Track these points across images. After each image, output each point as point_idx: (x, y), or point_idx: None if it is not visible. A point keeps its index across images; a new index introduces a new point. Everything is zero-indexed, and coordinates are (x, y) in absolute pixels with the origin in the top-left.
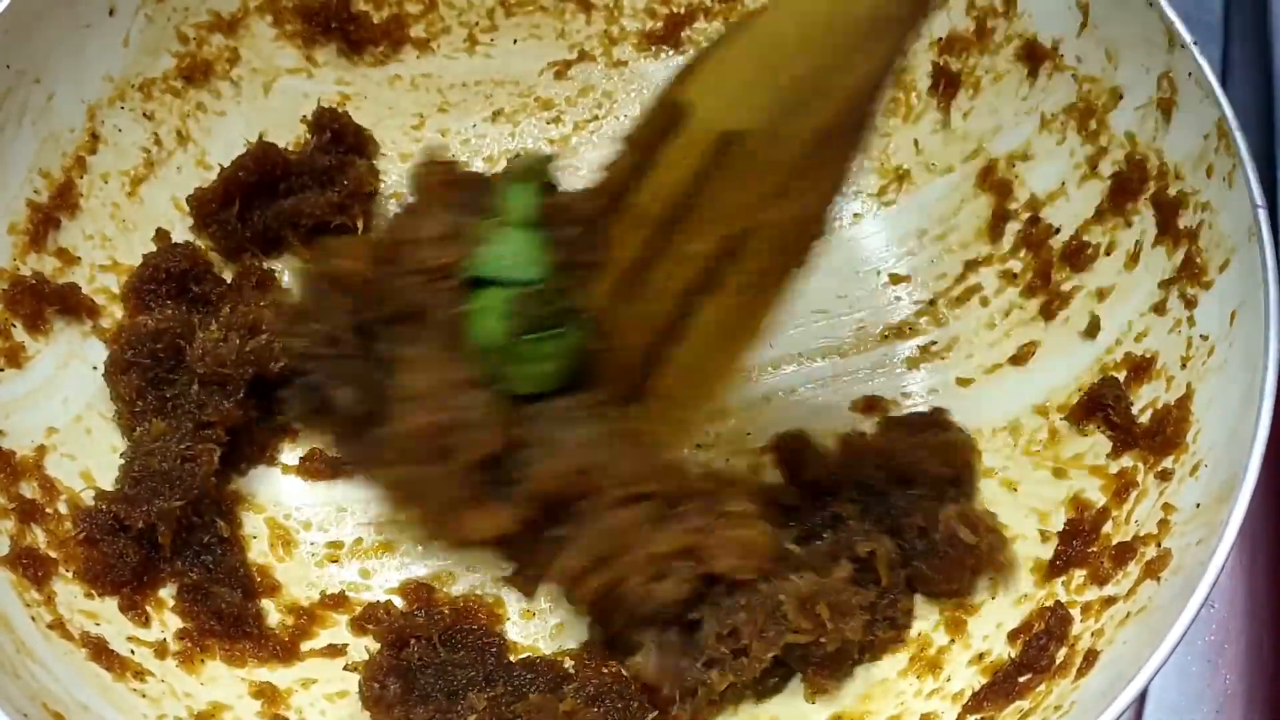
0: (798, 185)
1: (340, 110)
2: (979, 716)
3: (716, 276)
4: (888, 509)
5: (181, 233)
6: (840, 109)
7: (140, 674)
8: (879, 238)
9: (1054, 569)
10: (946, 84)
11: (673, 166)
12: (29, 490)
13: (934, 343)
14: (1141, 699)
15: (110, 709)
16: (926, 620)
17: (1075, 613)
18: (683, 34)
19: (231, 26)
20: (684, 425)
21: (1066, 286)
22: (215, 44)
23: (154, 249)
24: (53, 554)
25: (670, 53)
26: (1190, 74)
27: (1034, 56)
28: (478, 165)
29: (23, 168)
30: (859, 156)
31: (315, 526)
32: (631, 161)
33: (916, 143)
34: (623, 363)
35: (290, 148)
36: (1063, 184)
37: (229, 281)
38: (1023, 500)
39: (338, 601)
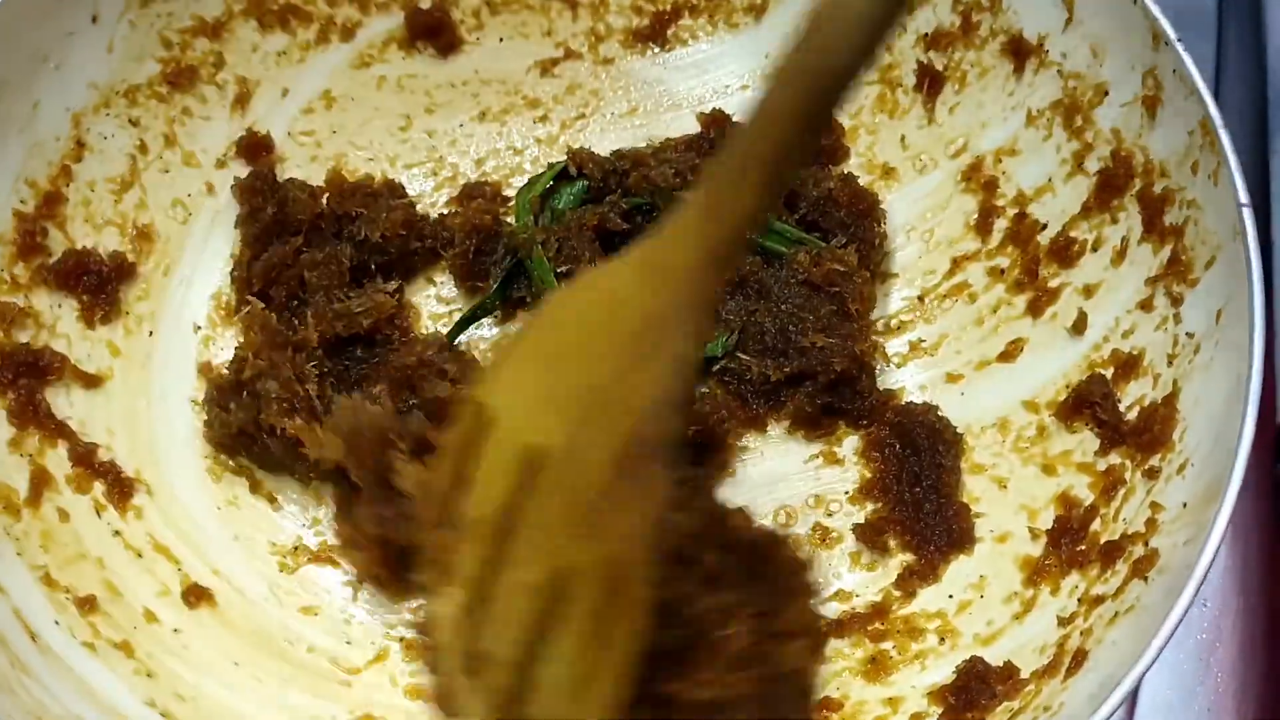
0: (604, 518)
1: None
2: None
3: (557, 614)
4: None
5: None
6: (633, 431)
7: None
8: None
9: (1043, 567)
10: (932, 80)
11: (489, 479)
12: None
13: (922, 340)
14: (1134, 698)
15: None
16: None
17: (1062, 612)
18: (669, 31)
19: (215, 31)
20: None
21: (1054, 283)
22: (199, 49)
23: None
24: None
25: (657, 50)
26: (1175, 71)
27: (1020, 52)
28: (466, 166)
29: (9, 178)
30: (668, 495)
31: None
32: (449, 469)
33: (903, 139)
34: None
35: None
36: (1049, 180)
37: None
38: (1012, 498)
39: None
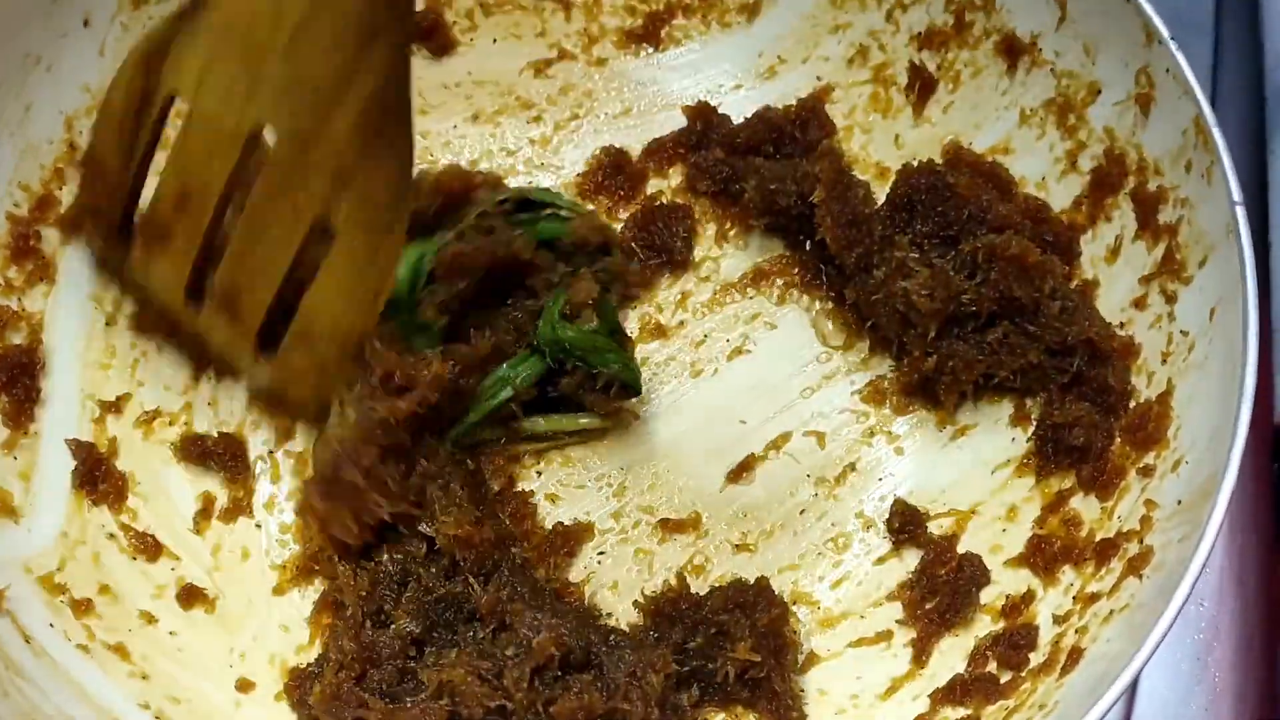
0: (359, 172)
1: None
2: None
3: (319, 246)
4: None
5: None
6: (367, 110)
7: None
8: None
9: (1034, 564)
10: (925, 80)
11: (197, 160)
12: None
13: None
14: (1131, 696)
15: None
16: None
17: (1057, 610)
18: (662, 31)
19: None
20: (333, 366)
21: None
22: None
23: None
24: None
25: (650, 50)
26: (1168, 70)
27: (1013, 51)
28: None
29: (2, 181)
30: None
31: None
32: (115, 143)
33: (897, 138)
34: (238, 322)
35: None
36: (1043, 178)
37: None
38: (1008, 495)
39: None
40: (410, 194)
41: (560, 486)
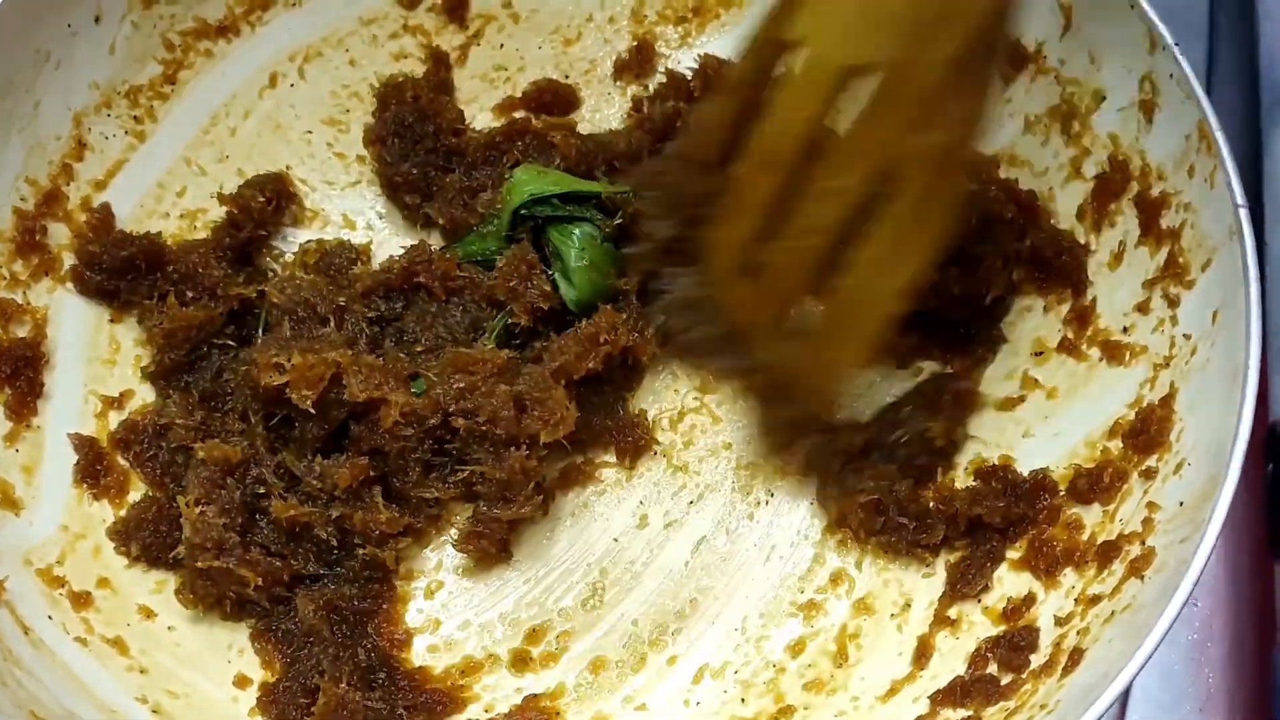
0: (939, 113)
1: None
2: (964, 713)
3: (872, 208)
4: None
5: None
6: (972, 35)
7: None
8: None
9: (1035, 568)
10: None
11: (793, 106)
12: None
13: None
14: (1125, 697)
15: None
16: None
17: (1059, 612)
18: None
19: (220, 34)
20: (856, 354)
21: None
22: (203, 51)
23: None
24: None
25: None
26: (1172, 75)
27: (1017, 59)
28: None
29: (9, 176)
30: (995, 79)
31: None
32: (734, 106)
33: None
34: (767, 300)
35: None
36: (1049, 187)
37: None
38: None
39: None
40: (979, 140)
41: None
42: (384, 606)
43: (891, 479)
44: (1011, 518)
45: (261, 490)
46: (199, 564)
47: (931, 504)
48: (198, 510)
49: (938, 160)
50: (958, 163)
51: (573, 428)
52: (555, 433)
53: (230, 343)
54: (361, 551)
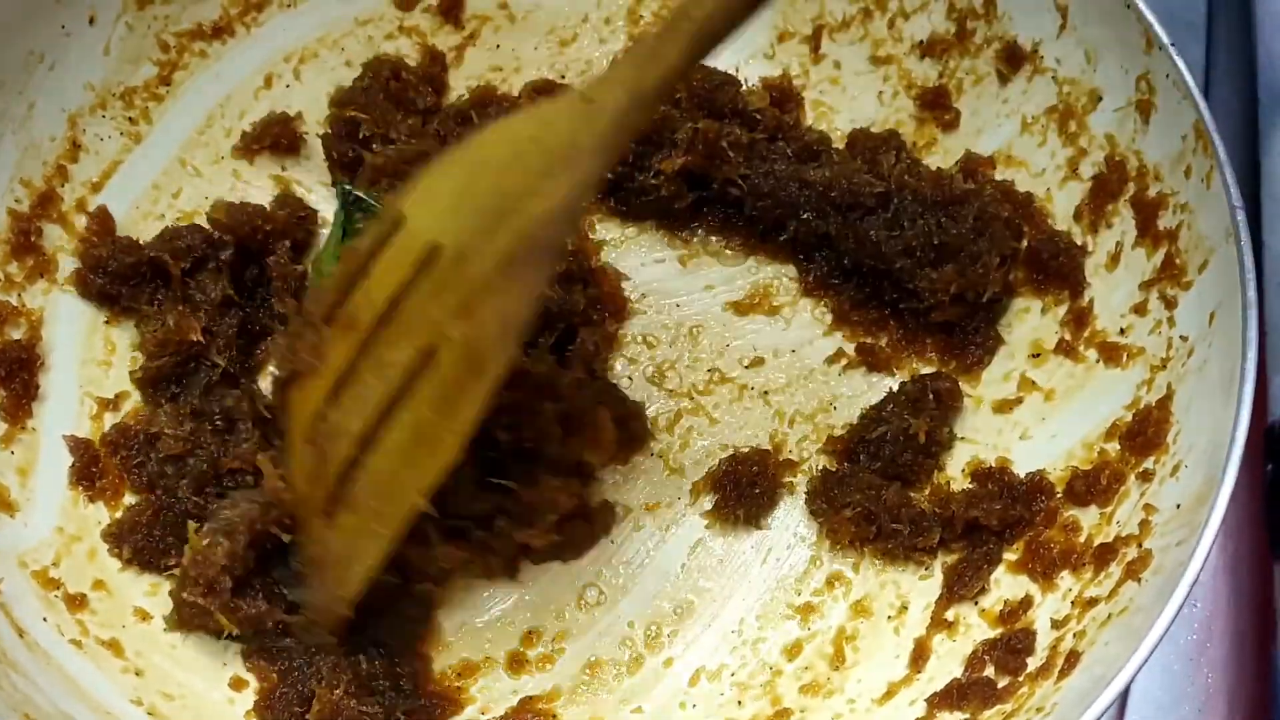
0: (482, 304)
1: None
2: (960, 716)
3: (412, 387)
4: None
5: None
6: (526, 232)
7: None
8: None
9: (1032, 571)
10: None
11: (384, 274)
12: None
13: None
14: (1124, 697)
15: None
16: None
17: (1056, 615)
18: None
19: (215, 35)
20: (377, 537)
21: None
22: (197, 52)
23: None
24: None
25: None
26: (1168, 76)
27: (1014, 59)
28: None
29: (4, 178)
30: (541, 292)
31: None
32: (349, 270)
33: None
34: (321, 473)
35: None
36: (1046, 188)
37: None
38: None
39: None
40: (519, 340)
41: None
42: (420, 631)
43: (876, 487)
44: (1009, 520)
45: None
46: (184, 595)
47: (927, 507)
48: (204, 543)
49: (468, 354)
50: (486, 362)
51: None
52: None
53: (218, 361)
54: (418, 587)
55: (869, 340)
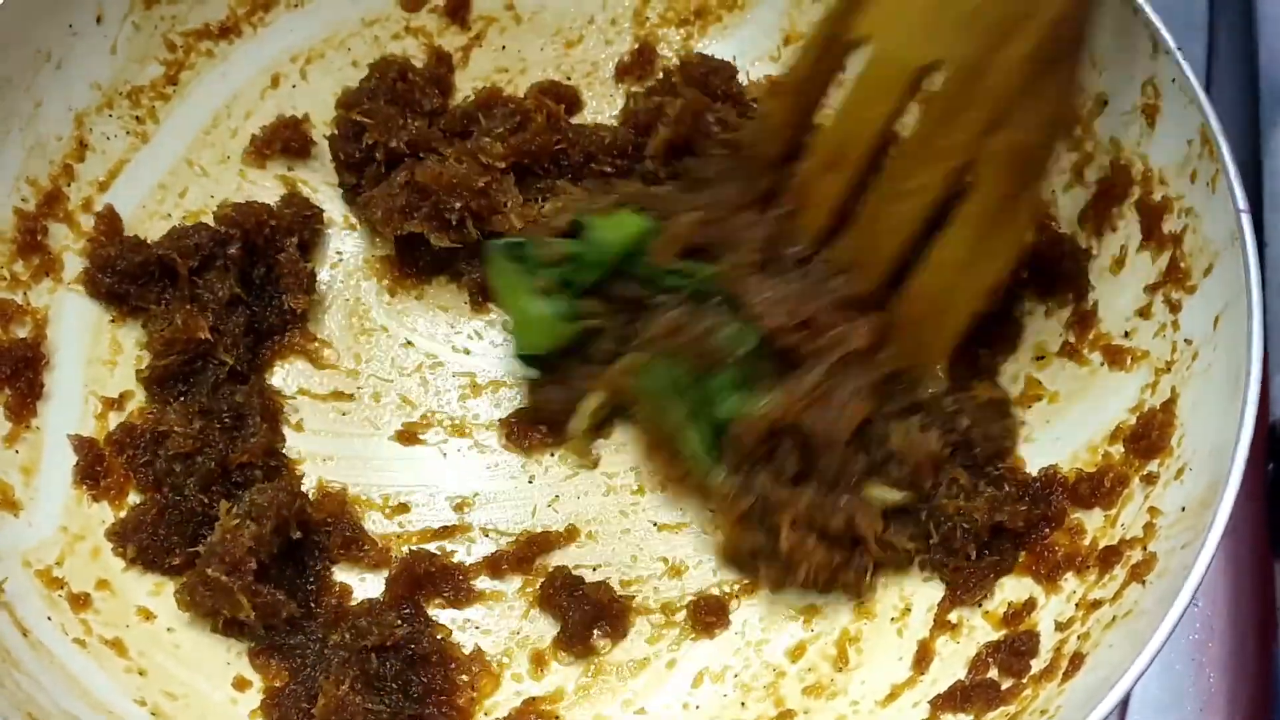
0: (1018, 110)
1: None
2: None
3: (949, 209)
4: None
5: None
6: (1046, 35)
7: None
8: None
9: (1036, 573)
10: None
11: (863, 105)
12: None
13: None
14: (1126, 698)
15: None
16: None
17: (1060, 617)
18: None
19: (221, 35)
20: (931, 353)
21: None
22: (204, 52)
23: None
24: None
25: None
26: (1174, 80)
27: None
28: None
29: (10, 176)
30: (1078, 82)
31: None
32: (798, 104)
33: None
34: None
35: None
36: (1051, 191)
37: None
38: None
39: None
40: (1060, 141)
41: None
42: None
43: (926, 532)
44: (1032, 519)
45: None
46: (209, 569)
47: (952, 514)
48: (234, 523)
49: (1017, 162)
50: (1039, 164)
51: None
52: None
53: (226, 359)
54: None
55: None
